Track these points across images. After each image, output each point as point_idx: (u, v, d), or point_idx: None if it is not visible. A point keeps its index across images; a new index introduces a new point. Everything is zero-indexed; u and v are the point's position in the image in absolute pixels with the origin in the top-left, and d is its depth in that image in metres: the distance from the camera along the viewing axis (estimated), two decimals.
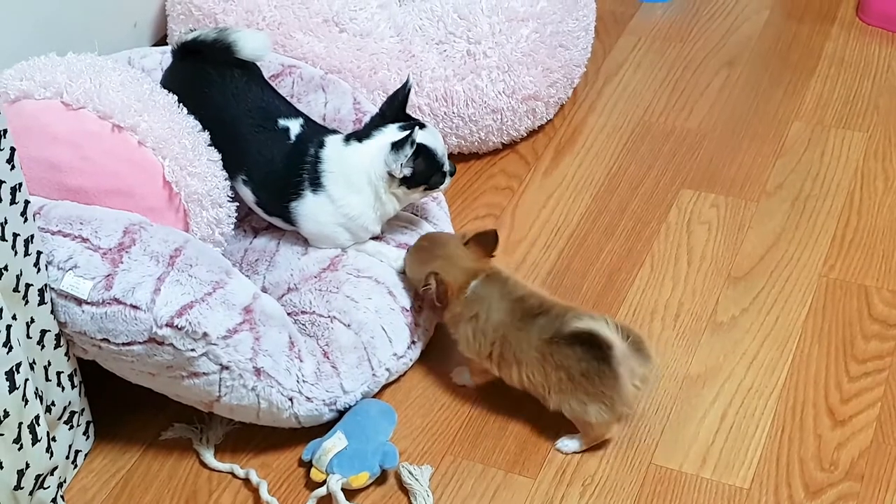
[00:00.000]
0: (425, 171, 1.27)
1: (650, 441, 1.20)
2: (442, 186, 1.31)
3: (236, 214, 1.29)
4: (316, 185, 1.27)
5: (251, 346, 1.15)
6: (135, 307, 1.10)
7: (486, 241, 1.22)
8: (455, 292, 1.19)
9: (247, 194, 1.32)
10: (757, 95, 1.69)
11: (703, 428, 1.22)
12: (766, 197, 1.52)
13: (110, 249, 1.12)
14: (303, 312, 1.25)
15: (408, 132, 1.23)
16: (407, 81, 1.28)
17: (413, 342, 1.26)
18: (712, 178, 1.55)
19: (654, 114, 1.66)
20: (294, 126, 1.29)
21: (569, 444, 1.17)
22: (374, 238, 1.33)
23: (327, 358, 1.21)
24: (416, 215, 1.39)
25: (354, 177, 1.27)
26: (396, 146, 1.24)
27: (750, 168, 1.56)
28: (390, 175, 1.26)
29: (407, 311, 1.26)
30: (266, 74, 1.37)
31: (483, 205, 1.53)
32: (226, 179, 1.27)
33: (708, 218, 1.49)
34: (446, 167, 1.30)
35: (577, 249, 1.45)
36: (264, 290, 1.28)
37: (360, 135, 1.29)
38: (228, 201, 1.27)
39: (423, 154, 1.26)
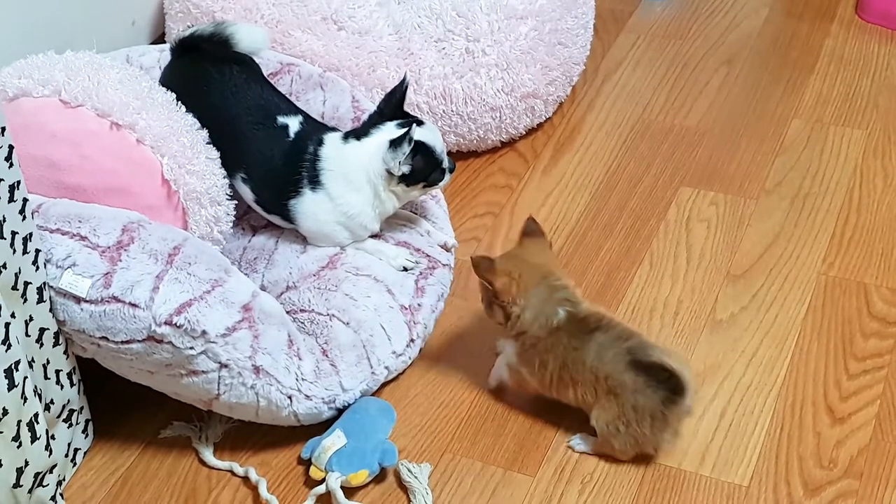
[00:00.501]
0: (424, 168, 1.27)
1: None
2: (441, 183, 1.31)
3: (235, 212, 1.28)
4: (315, 183, 1.27)
5: (250, 345, 1.15)
6: (133, 305, 1.10)
7: (532, 230, 1.19)
8: (531, 308, 1.13)
9: (246, 192, 1.31)
10: (756, 93, 1.70)
11: (703, 425, 1.22)
12: (766, 195, 1.52)
13: (109, 247, 1.12)
14: (302, 311, 1.25)
15: (405, 130, 1.24)
16: (404, 79, 1.28)
17: (412, 340, 1.26)
18: (711, 175, 1.55)
19: (653, 112, 1.66)
20: (293, 123, 1.29)
21: (581, 444, 1.16)
22: (373, 236, 1.33)
23: (326, 356, 1.21)
24: (416, 213, 1.39)
25: (353, 175, 1.27)
26: (394, 144, 1.24)
27: (749, 166, 1.57)
28: (389, 173, 1.26)
29: (406, 309, 1.27)
30: (265, 72, 1.37)
31: (482, 203, 1.53)
32: (224, 177, 1.27)
33: (707, 216, 1.49)
34: (445, 164, 1.30)
35: (576, 247, 1.45)
36: (263, 288, 1.28)
37: (359, 133, 1.29)
38: (227, 199, 1.27)
39: (422, 151, 1.26)
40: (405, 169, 1.26)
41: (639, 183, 1.54)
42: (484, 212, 1.52)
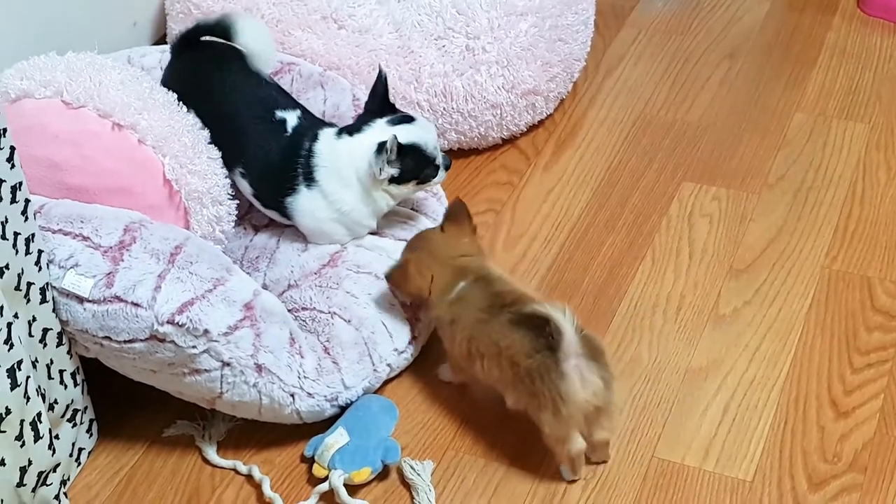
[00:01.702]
0: (415, 167, 1.27)
1: (652, 434, 1.20)
2: (435, 180, 1.30)
3: (237, 212, 1.29)
4: (309, 179, 1.27)
5: (252, 343, 1.15)
6: (136, 305, 1.11)
7: (457, 215, 1.19)
8: (438, 292, 1.16)
9: (244, 186, 1.32)
10: (758, 87, 1.69)
11: (706, 421, 1.21)
12: (768, 189, 1.51)
13: (111, 247, 1.13)
14: (303, 309, 1.25)
15: (392, 135, 1.23)
16: (380, 71, 1.28)
17: (414, 337, 1.25)
18: (714, 170, 1.54)
19: (654, 107, 1.66)
20: (291, 118, 1.29)
21: (565, 469, 1.13)
22: (373, 234, 1.33)
23: (328, 354, 1.21)
24: (416, 211, 1.39)
25: (345, 171, 1.27)
26: (380, 148, 1.24)
27: (752, 160, 1.56)
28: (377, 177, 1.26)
29: (407, 306, 1.27)
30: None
31: (483, 200, 1.53)
32: (226, 177, 1.27)
33: (709, 211, 1.49)
34: (438, 160, 1.30)
35: (577, 244, 1.45)
36: (265, 287, 1.29)
37: (352, 128, 1.29)
38: (229, 199, 1.27)
39: (411, 152, 1.25)
40: (392, 172, 1.25)
41: (641, 178, 1.54)
42: (485, 209, 1.52)
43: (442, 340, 1.21)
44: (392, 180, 1.26)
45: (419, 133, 1.27)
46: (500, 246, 1.46)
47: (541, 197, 1.53)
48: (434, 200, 1.41)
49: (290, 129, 1.29)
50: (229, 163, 1.29)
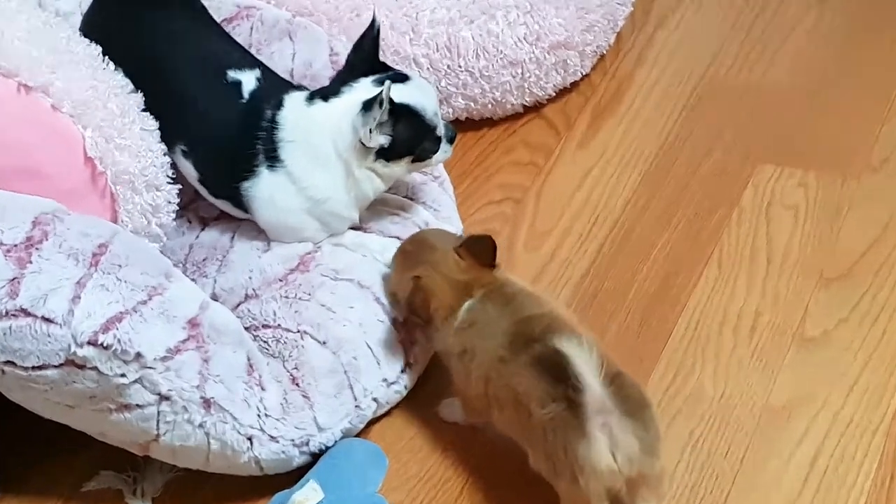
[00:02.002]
0: (410, 137, 1.26)
1: (719, 491, 1.20)
2: (436, 157, 1.30)
3: (178, 200, 1.29)
4: (273, 159, 1.27)
5: (198, 371, 1.15)
6: (47, 320, 1.10)
7: (479, 251, 1.19)
8: (442, 314, 1.17)
9: (188, 169, 1.32)
10: (857, 40, 1.69)
11: (789, 474, 1.21)
12: (870, 173, 1.51)
13: (15, 245, 1.12)
14: (265, 326, 1.25)
15: (381, 88, 1.23)
16: (373, 21, 1.28)
17: (409, 364, 1.27)
18: (799, 149, 1.54)
19: (721, 66, 1.66)
20: (248, 80, 1.29)
21: None
22: (355, 228, 1.33)
23: (297, 385, 1.21)
24: (412, 199, 1.39)
25: (319, 146, 1.26)
26: (367, 106, 1.23)
27: (849, 136, 1.56)
28: (362, 144, 1.25)
29: (400, 323, 1.27)
30: (217, 19, 1.37)
31: (499, 186, 1.53)
32: (164, 154, 1.27)
33: (794, 201, 1.48)
34: (440, 131, 1.29)
35: (621, 244, 1.45)
36: (215, 297, 1.29)
37: (327, 92, 1.28)
38: (168, 183, 1.27)
39: (405, 115, 1.24)
40: (382, 140, 1.25)
41: (704, 159, 1.54)
42: (502, 197, 1.52)
43: (449, 371, 1.22)
44: (380, 154, 1.25)
45: (416, 95, 1.26)
46: (521, 245, 1.46)
47: (574, 182, 1.53)
48: (435, 186, 1.41)
49: (246, 94, 1.28)
50: (169, 137, 1.29)
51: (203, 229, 1.37)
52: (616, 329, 1.36)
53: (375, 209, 1.35)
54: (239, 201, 1.31)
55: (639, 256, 1.45)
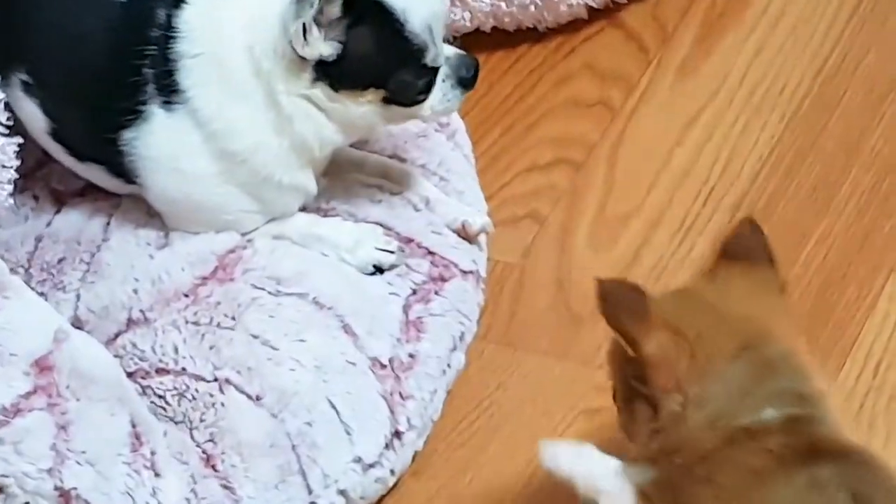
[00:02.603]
0: (373, 54, 1.27)
1: None
2: (429, 103, 1.30)
3: (17, 163, 1.29)
4: (169, 89, 1.28)
5: (51, 444, 1.16)
6: None
7: (748, 252, 1.18)
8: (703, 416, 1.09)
9: (32, 114, 1.32)
10: None
11: None
12: None
13: None
14: (161, 371, 1.26)
15: None
16: None
17: (397, 434, 1.28)
18: None
19: None
20: None
21: None
22: (307, 210, 1.34)
23: (213, 468, 1.22)
24: (402, 160, 1.40)
25: (235, 63, 1.27)
26: None
27: None
28: (295, 53, 1.25)
29: (382, 365, 1.28)
30: None
31: (547, 141, 1.54)
32: None
33: None
34: (435, 58, 1.29)
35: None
36: (78, 322, 1.29)
37: None
38: (1, 135, 1.27)
39: (370, 14, 1.25)
40: (325, 48, 1.25)
41: (890, 93, 1.55)
42: (552, 159, 1.52)
43: None
44: (324, 74, 1.26)
45: None
46: (583, 240, 1.47)
47: (672, 134, 1.54)
48: (442, 139, 1.43)
49: None
50: (1, 62, 1.31)
51: (58, 211, 1.38)
52: None
53: (342, 177, 1.36)
54: (116, 164, 1.31)
55: (780, 257, 1.44)
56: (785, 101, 1.56)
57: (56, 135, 1.34)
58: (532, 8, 1.58)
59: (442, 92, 1.30)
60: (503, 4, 1.57)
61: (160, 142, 1.30)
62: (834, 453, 1.10)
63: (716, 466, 1.11)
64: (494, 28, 1.59)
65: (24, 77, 1.32)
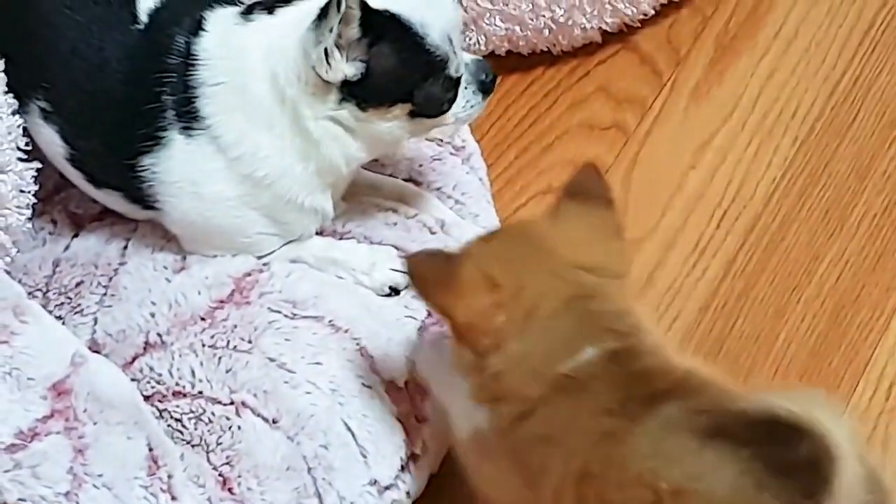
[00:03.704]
0: (397, 69, 1.26)
1: None
2: (454, 112, 1.30)
3: (35, 188, 1.29)
4: (189, 116, 1.28)
5: (68, 467, 1.16)
6: None
7: (585, 192, 1.19)
8: (523, 348, 1.13)
9: (51, 140, 1.32)
10: None
11: None
12: None
13: None
14: (178, 394, 1.27)
15: None
16: None
17: (413, 457, 1.28)
18: None
19: None
20: None
21: None
22: (323, 233, 1.34)
23: (230, 491, 1.23)
24: (418, 184, 1.41)
25: (260, 90, 1.27)
26: (325, 15, 1.23)
27: None
28: (319, 77, 1.25)
29: (398, 387, 1.28)
30: None
31: (563, 163, 1.55)
32: (15, 113, 1.28)
33: None
34: (456, 68, 1.28)
35: (762, 260, 1.47)
36: (95, 346, 1.29)
37: (270, 2, 1.29)
38: (19, 160, 1.28)
39: (390, 31, 1.25)
40: (349, 70, 1.24)
41: None
42: (566, 181, 1.51)
43: (501, 456, 1.17)
44: (350, 95, 1.26)
45: (414, 2, 1.26)
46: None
47: (686, 155, 1.55)
48: (457, 163, 1.43)
49: (144, 15, 1.30)
50: (21, 89, 1.31)
51: (75, 236, 1.38)
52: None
53: (358, 200, 1.36)
54: (134, 190, 1.31)
55: (793, 279, 1.45)
56: (797, 124, 1.57)
57: (74, 161, 1.34)
58: (546, 31, 1.58)
59: (465, 99, 1.30)
60: (518, 28, 1.57)
61: (180, 167, 1.30)
62: (671, 388, 1.10)
63: (554, 423, 1.12)
64: (509, 51, 1.60)
65: (43, 104, 1.32)
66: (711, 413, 1.07)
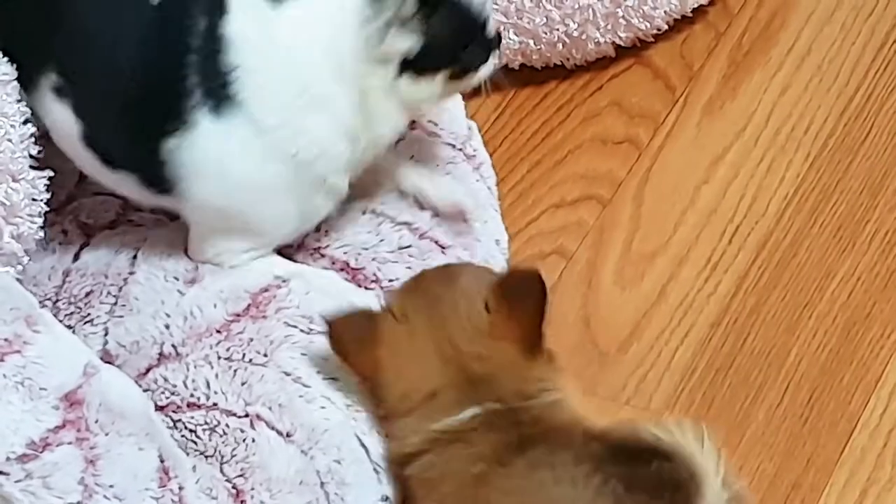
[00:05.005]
0: (452, 36, 1.29)
1: None
2: (484, 71, 1.33)
3: (48, 196, 1.29)
4: (220, 99, 1.28)
5: (79, 478, 1.16)
6: None
7: (518, 302, 1.21)
8: (410, 396, 1.20)
9: (63, 118, 1.31)
10: None
11: None
12: None
13: None
14: (192, 406, 1.27)
15: None
16: None
17: None
18: None
19: None
20: None
21: None
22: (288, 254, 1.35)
23: (242, 503, 1.22)
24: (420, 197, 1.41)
25: (308, 71, 1.28)
26: None
27: None
28: (377, 52, 1.26)
29: None
30: None
31: (575, 177, 1.55)
32: (26, 122, 1.27)
33: None
34: (492, 23, 1.31)
35: (774, 276, 1.47)
36: (108, 357, 1.30)
37: None
38: (31, 168, 1.27)
39: (441, 1, 1.27)
40: (407, 43, 1.26)
41: None
42: (579, 195, 1.54)
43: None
44: (405, 67, 1.28)
45: None
46: (609, 277, 1.47)
47: (698, 171, 1.55)
48: (468, 168, 1.43)
49: None
50: (31, 64, 1.29)
51: (86, 245, 1.38)
52: (765, 417, 1.37)
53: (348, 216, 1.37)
54: (153, 173, 1.30)
55: (805, 295, 1.45)
56: (810, 140, 1.57)
57: (88, 140, 1.32)
58: (560, 46, 1.59)
59: (494, 58, 1.33)
60: (531, 42, 1.58)
61: (207, 149, 1.29)
62: (544, 431, 1.16)
63: (433, 468, 1.19)
64: (522, 65, 1.61)
65: (56, 79, 1.30)
66: (575, 445, 1.13)
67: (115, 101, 1.30)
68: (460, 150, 1.44)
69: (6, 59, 1.29)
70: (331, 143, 1.29)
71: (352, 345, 1.23)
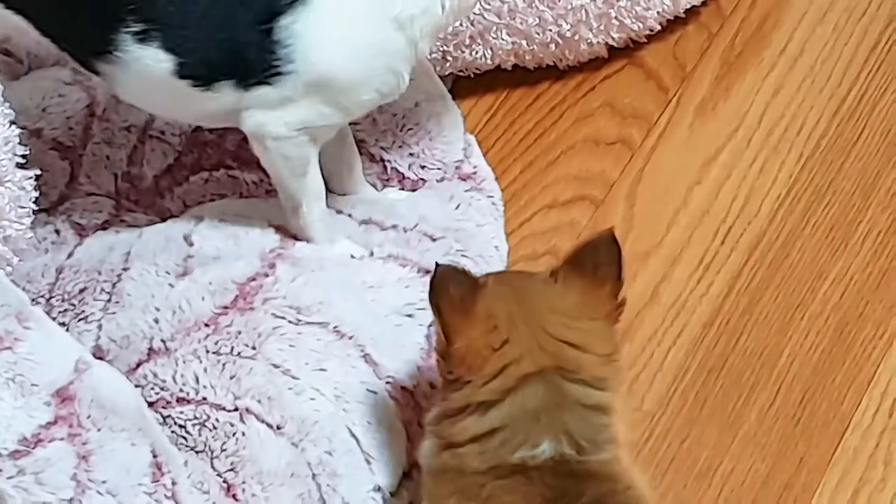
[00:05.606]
0: None
1: None
2: None
3: (35, 195, 1.28)
4: None
5: (71, 474, 1.16)
6: None
7: (594, 262, 1.17)
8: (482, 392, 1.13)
9: (147, 65, 1.28)
10: None
11: None
12: None
13: None
14: (182, 401, 1.27)
15: None
16: None
17: (416, 464, 1.26)
18: None
19: None
20: None
21: None
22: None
23: (234, 498, 1.23)
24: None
25: None
26: None
27: None
28: None
29: (404, 394, 1.28)
30: None
31: (568, 177, 1.55)
32: (11, 124, 1.26)
33: None
34: None
35: (767, 277, 1.47)
36: (99, 353, 1.30)
37: None
38: (18, 167, 1.26)
39: None
40: None
41: None
42: (571, 196, 1.54)
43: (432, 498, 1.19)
44: None
45: None
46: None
47: (690, 172, 1.54)
48: (467, 167, 1.45)
49: None
50: (104, 31, 1.28)
51: (79, 243, 1.38)
52: (757, 417, 1.36)
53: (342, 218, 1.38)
54: (264, 59, 1.28)
55: (797, 296, 1.45)
56: (802, 141, 1.57)
57: (182, 70, 1.30)
58: (553, 46, 1.59)
59: None
60: (524, 42, 1.58)
61: (325, 17, 1.28)
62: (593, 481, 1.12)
63: (480, 491, 1.13)
64: (515, 66, 1.61)
65: (137, 27, 1.28)
66: None
67: (213, 9, 1.28)
68: (467, 165, 1.47)
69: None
70: (431, 2, 1.30)
71: (454, 301, 1.14)
